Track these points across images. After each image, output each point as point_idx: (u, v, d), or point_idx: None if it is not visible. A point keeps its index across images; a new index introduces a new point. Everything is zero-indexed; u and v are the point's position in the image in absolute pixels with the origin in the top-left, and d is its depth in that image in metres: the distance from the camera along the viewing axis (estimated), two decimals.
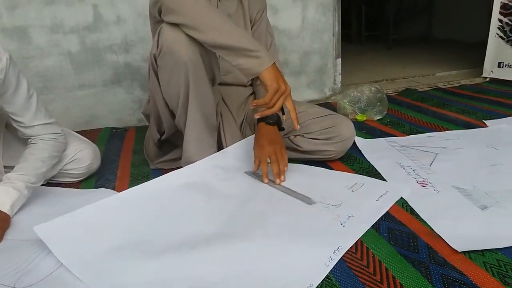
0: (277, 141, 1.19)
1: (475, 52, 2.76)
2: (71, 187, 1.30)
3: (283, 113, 1.19)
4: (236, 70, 1.37)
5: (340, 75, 2.32)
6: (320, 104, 2.18)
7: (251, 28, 1.42)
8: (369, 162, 1.34)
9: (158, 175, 1.30)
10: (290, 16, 2.09)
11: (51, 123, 1.21)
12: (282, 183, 1.17)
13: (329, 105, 2.11)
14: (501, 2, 2.36)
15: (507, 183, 1.12)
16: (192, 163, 1.22)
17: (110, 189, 1.26)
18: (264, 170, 1.17)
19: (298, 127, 1.13)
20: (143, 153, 1.50)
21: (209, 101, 1.20)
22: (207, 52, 1.13)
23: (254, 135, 1.32)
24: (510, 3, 2.33)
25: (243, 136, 1.38)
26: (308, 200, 1.07)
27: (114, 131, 1.87)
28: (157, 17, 1.14)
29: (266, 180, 1.17)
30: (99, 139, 1.77)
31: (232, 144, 1.31)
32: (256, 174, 1.21)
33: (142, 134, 1.65)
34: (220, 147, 1.33)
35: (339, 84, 2.32)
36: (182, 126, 1.23)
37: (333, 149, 1.32)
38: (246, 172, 1.25)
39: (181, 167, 1.25)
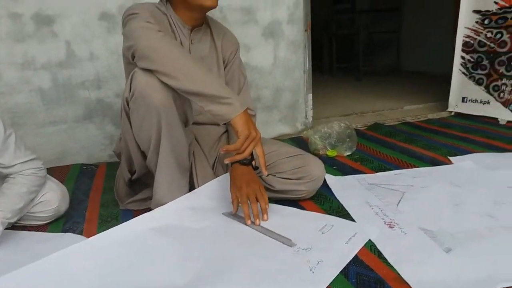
0: (254, 181, 1.20)
1: (441, 84, 2.87)
2: (37, 231, 1.27)
3: (253, 159, 1.20)
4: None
5: (311, 110, 2.37)
6: (292, 139, 2.23)
7: (224, 68, 1.45)
8: (339, 201, 1.37)
9: (128, 216, 1.30)
10: (262, 54, 2.14)
11: (32, 159, 1.20)
12: (264, 223, 1.17)
13: (301, 140, 2.15)
14: (463, 40, 2.50)
15: (470, 223, 1.16)
16: (162, 205, 1.22)
17: (78, 232, 1.24)
18: (246, 211, 1.16)
19: (266, 173, 1.15)
20: (113, 192, 1.48)
21: (181, 144, 1.21)
22: (180, 96, 1.15)
23: (226, 174, 1.34)
24: (471, 41, 2.46)
25: (216, 175, 1.39)
26: (288, 242, 1.08)
27: (84, 167, 1.84)
28: (130, 59, 1.16)
29: (248, 222, 1.16)
30: (69, 176, 1.74)
31: (204, 184, 1.32)
32: (235, 215, 1.21)
33: (113, 171, 1.64)
34: (192, 187, 1.33)
35: (310, 119, 2.37)
36: (153, 168, 1.23)
37: (304, 189, 1.34)
38: (224, 213, 1.24)
39: (152, 208, 1.24)
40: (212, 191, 1.30)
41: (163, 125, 1.14)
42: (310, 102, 2.36)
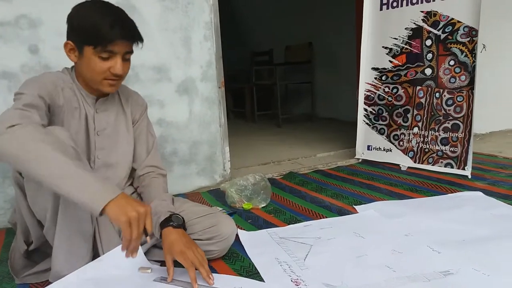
0: (192, 243, 1.21)
1: (351, 131, 3.04)
2: None
3: (183, 220, 1.21)
4: (114, 176, 1.37)
5: (229, 162, 2.41)
6: (210, 191, 2.24)
7: (133, 127, 1.44)
8: (250, 259, 1.38)
9: None
10: (177, 110, 2.16)
11: None
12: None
13: (219, 192, 2.17)
14: (365, 93, 2.73)
15: (370, 276, 1.23)
16: (62, 277, 1.14)
17: None
18: (194, 276, 1.14)
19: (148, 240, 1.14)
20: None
21: (82, 210, 1.16)
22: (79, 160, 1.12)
23: None
24: (372, 95, 2.70)
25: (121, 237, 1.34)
26: None
27: None
28: None
29: (196, 286, 1.13)
30: None
31: (109, 251, 1.26)
32: (174, 281, 1.18)
33: (12, 238, 1.51)
34: (96, 255, 1.27)
35: (228, 170, 2.41)
36: (51, 238, 1.16)
37: (215, 249, 1.35)
38: (155, 280, 1.21)
39: (50, 282, 1.16)
40: (119, 258, 1.25)
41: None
42: (228, 154, 2.41)
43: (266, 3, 5.65)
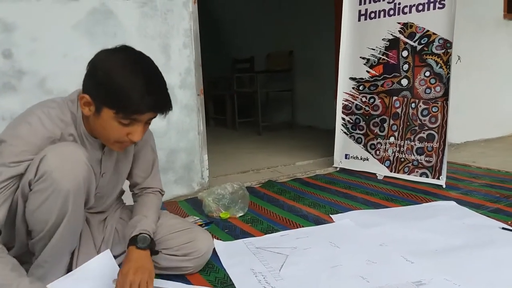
0: (145, 268, 1.13)
1: (330, 139, 3.07)
2: None
3: (153, 243, 1.21)
4: (105, 203, 1.35)
5: (208, 170, 2.40)
6: (188, 200, 2.22)
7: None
8: (225, 270, 1.38)
9: None
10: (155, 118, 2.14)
11: None
12: None
13: (197, 201, 2.15)
14: (343, 103, 2.76)
15: (344, 287, 1.24)
16: None
17: None
18: None
19: None
20: None
21: (78, 227, 1.17)
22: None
23: (106, 251, 1.28)
24: (349, 105, 2.73)
25: (98, 252, 1.31)
26: None
27: None
28: None
29: None
30: None
31: (82, 264, 1.24)
32: None
33: None
34: (69, 269, 1.24)
35: (206, 179, 2.40)
36: (38, 249, 1.14)
37: (190, 265, 1.33)
38: None
39: None
40: (90, 272, 1.22)
41: (70, 209, 1.08)
42: (206, 162, 2.39)
43: (248, 11, 5.68)
